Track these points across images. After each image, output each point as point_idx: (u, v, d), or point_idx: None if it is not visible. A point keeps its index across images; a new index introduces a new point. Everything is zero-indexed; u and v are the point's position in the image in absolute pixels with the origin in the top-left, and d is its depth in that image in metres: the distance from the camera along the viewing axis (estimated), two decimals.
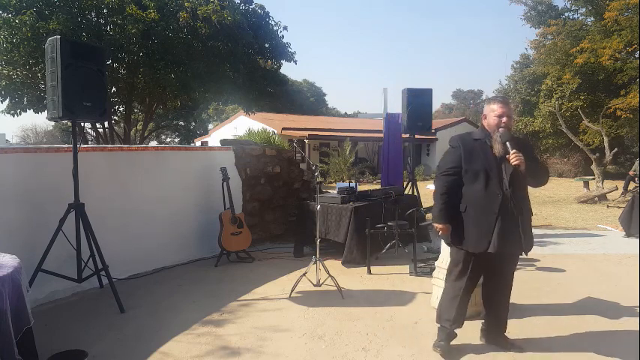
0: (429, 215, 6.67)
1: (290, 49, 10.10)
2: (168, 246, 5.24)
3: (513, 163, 2.70)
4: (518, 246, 2.87)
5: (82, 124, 9.43)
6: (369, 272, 4.92)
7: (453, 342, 3.05)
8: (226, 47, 8.88)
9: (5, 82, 7.57)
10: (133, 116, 12.22)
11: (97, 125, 10.41)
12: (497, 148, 2.79)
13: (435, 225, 2.97)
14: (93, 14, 7.95)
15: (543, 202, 12.91)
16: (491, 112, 2.88)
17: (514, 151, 2.72)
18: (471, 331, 3.21)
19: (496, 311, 3.07)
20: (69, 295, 4.12)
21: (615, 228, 7.83)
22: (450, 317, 3.00)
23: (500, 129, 2.81)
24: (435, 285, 3.81)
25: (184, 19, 7.97)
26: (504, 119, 2.83)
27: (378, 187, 7.47)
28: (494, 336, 3.10)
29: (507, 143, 2.75)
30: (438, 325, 3.08)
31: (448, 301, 3.03)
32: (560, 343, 3.16)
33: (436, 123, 26.90)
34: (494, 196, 2.78)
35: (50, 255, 3.66)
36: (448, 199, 2.91)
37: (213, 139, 28.22)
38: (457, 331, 3.05)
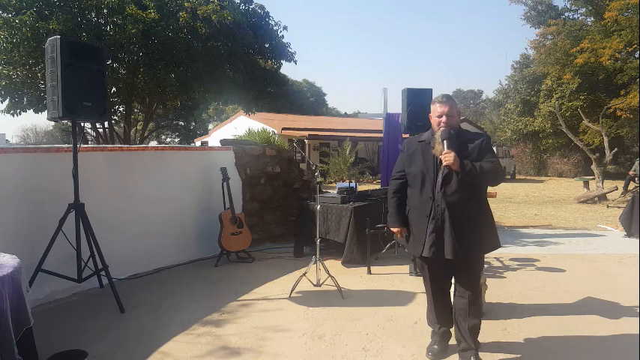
0: None
1: (290, 49, 10.09)
2: (168, 246, 5.24)
3: (444, 164, 2.64)
4: (461, 251, 2.67)
5: (82, 124, 9.43)
6: (369, 272, 4.92)
7: (451, 342, 3.04)
8: (226, 47, 8.87)
9: (5, 82, 7.57)
10: (133, 116, 12.22)
11: (97, 125, 10.41)
12: (438, 149, 2.72)
13: (391, 229, 3.01)
14: (93, 14, 7.95)
15: (543, 202, 12.92)
16: (433, 113, 2.84)
17: (446, 150, 2.64)
18: None
19: (457, 318, 2.86)
20: (69, 295, 4.12)
21: (615, 228, 7.83)
22: (434, 319, 3.01)
23: (441, 129, 2.74)
24: None
25: (184, 19, 7.96)
26: (443, 119, 2.76)
27: (378, 187, 7.47)
28: (462, 346, 2.85)
29: (445, 142, 2.67)
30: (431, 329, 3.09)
31: (428, 303, 3.08)
32: (560, 343, 3.16)
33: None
34: (427, 199, 2.75)
35: (50, 255, 3.66)
36: (399, 202, 2.94)
37: (213, 139, 28.24)
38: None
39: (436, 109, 2.82)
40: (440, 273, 2.92)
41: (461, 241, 2.67)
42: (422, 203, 2.78)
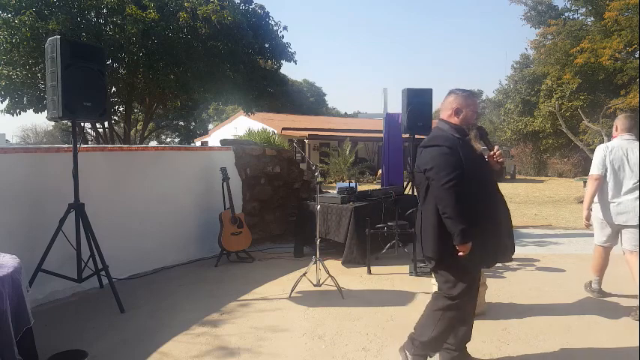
0: None
1: (290, 49, 10.09)
2: (168, 246, 5.24)
3: (500, 161, 2.53)
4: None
5: (82, 124, 9.44)
6: (369, 272, 4.92)
7: None
8: (226, 47, 8.88)
9: (5, 82, 7.57)
10: (132, 116, 12.23)
11: (97, 125, 10.42)
12: (478, 147, 2.55)
13: (462, 247, 2.41)
14: (92, 14, 7.95)
15: (543, 202, 12.92)
16: (472, 107, 2.62)
17: (497, 147, 2.57)
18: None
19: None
20: (69, 295, 4.12)
21: None
22: (456, 339, 2.73)
23: (476, 125, 2.64)
24: (435, 285, 3.80)
25: (184, 19, 7.96)
26: (475, 115, 2.66)
27: (378, 187, 7.47)
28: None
29: (483, 140, 2.57)
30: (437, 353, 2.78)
31: (457, 323, 2.68)
32: (560, 343, 3.16)
33: (436, 123, 26.86)
34: (491, 201, 2.57)
35: (50, 255, 3.66)
36: (464, 212, 2.44)
37: (213, 139, 28.24)
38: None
39: (475, 104, 2.65)
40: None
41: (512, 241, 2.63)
42: (487, 207, 2.54)
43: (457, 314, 2.62)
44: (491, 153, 2.54)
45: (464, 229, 2.39)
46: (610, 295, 4.18)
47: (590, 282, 4.31)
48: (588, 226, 4.06)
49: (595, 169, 3.90)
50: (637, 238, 3.76)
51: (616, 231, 3.92)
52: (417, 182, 2.70)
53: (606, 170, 3.85)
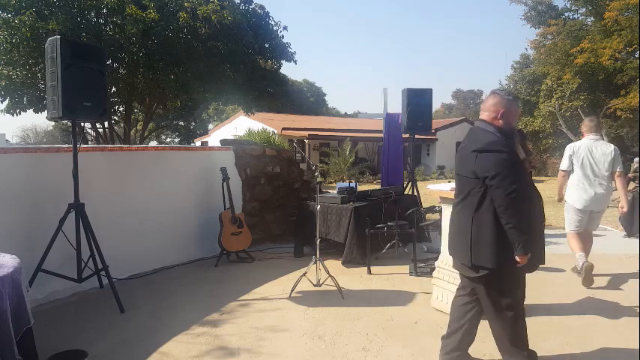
0: (429, 215, 6.68)
1: (290, 49, 10.10)
2: (168, 246, 5.24)
3: (535, 164, 2.65)
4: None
5: (82, 124, 9.44)
6: (369, 272, 4.92)
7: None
8: (226, 47, 8.88)
9: (5, 82, 7.57)
10: (132, 116, 12.24)
11: (97, 125, 10.42)
12: (520, 152, 2.60)
13: (522, 257, 2.41)
14: (92, 14, 7.96)
15: (544, 202, 12.90)
16: (514, 112, 2.60)
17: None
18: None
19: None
20: (69, 295, 4.13)
21: (615, 228, 7.83)
22: (524, 345, 2.71)
23: (517, 130, 2.65)
24: (435, 285, 3.81)
25: (184, 19, 7.96)
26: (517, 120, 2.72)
27: (378, 187, 7.47)
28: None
29: (525, 143, 2.62)
30: None
31: (519, 328, 2.70)
32: (560, 343, 3.16)
33: (436, 123, 26.92)
34: (538, 207, 2.59)
35: (50, 255, 3.66)
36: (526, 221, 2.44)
37: (213, 139, 28.21)
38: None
39: (518, 109, 2.63)
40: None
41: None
42: (533, 213, 2.53)
43: (518, 317, 2.69)
44: (530, 158, 2.56)
45: (527, 240, 2.36)
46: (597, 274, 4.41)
47: (575, 266, 4.67)
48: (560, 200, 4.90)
49: (562, 166, 4.77)
50: (598, 222, 4.87)
51: (585, 217, 4.68)
52: (467, 187, 2.56)
53: (573, 166, 4.66)
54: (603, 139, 4.67)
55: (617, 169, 4.53)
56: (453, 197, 3.55)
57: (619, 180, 4.55)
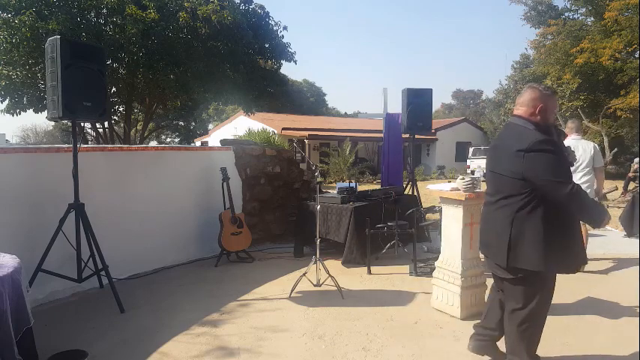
0: (429, 215, 6.68)
1: (290, 49, 10.11)
2: (168, 246, 5.24)
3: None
4: None
5: (82, 124, 9.45)
6: (369, 272, 4.92)
7: None
8: (226, 47, 8.89)
9: (5, 82, 7.58)
10: (132, 116, 12.24)
11: (97, 125, 10.43)
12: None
13: (604, 223, 2.40)
14: (92, 14, 7.96)
15: None
16: (553, 108, 2.51)
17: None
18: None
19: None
20: (69, 295, 4.12)
21: (615, 228, 7.83)
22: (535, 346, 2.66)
23: (556, 126, 2.60)
24: (435, 285, 3.81)
25: (184, 19, 7.97)
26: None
27: (378, 187, 7.47)
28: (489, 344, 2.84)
29: (560, 140, 2.56)
30: None
31: (536, 333, 2.62)
32: (560, 343, 3.16)
33: (436, 123, 26.90)
34: None
35: (50, 255, 3.66)
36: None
37: (213, 139, 28.22)
38: (460, 331, 2.99)
39: (556, 104, 2.55)
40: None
41: None
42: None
43: (540, 320, 2.61)
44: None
45: (606, 216, 2.35)
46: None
47: None
48: None
49: None
50: None
51: None
52: (507, 187, 2.48)
53: None
54: (582, 138, 5.22)
55: (598, 165, 4.99)
56: (455, 197, 3.56)
57: (598, 173, 5.03)
